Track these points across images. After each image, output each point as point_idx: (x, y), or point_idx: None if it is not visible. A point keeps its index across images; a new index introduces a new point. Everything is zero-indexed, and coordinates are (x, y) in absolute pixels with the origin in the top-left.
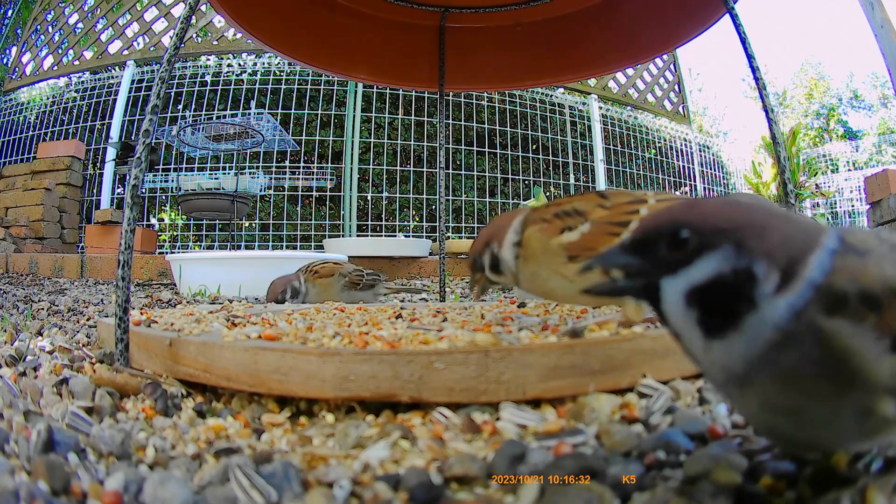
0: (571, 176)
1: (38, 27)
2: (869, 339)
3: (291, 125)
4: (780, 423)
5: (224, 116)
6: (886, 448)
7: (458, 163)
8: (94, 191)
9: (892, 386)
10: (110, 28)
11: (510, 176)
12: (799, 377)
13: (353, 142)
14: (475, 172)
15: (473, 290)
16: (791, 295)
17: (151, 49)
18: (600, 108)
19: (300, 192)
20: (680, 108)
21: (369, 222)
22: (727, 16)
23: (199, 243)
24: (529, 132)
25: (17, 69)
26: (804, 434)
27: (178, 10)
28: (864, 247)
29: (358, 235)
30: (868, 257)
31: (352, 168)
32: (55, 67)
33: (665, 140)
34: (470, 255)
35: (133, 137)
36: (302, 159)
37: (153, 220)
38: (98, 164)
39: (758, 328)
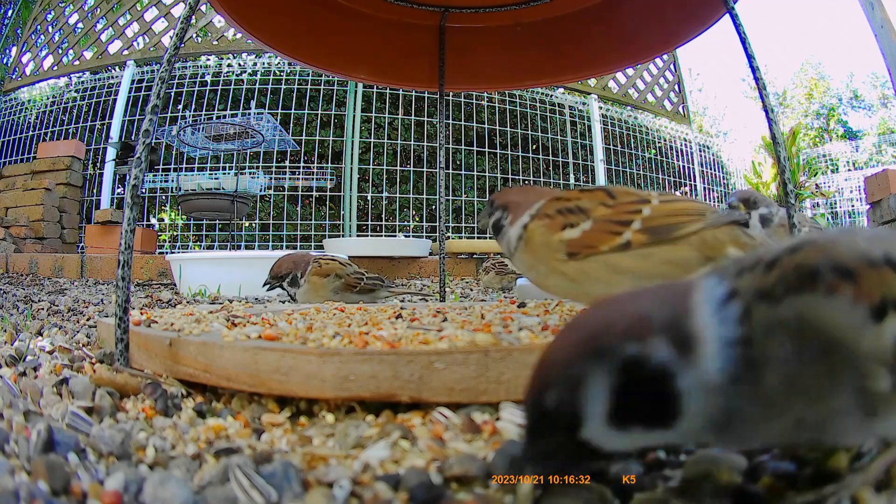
0: (571, 176)
1: (38, 27)
2: (847, 310)
3: (291, 125)
4: (784, 431)
5: (224, 116)
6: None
7: (458, 163)
8: (94, 191)
9: (883, 357)
10: (110, 28)
11: (510, 176)
12: (785, 379)
13: (353, 142)
14: (475, 172)
15: (484, 220)
16: (705, 333)
17: (151, 49)
18: (600, 108)
19: (300, 192)
20: (680, 108)
21: (369, 222)
22: (727, 16)
23: (199, 243)
24: (529, 132)
25: (17, 69)
26: (805, 435)
27: (178, 10)
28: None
29: (358, 235)
30: (841, 236)
31: (352, 168)
32: (55, 67)
33: (665, 140)
34: (492, 201)
35: (133, 137)
36: (302, 159)
37: (153, 220)
38: (98, 164)
39: (701, 381)
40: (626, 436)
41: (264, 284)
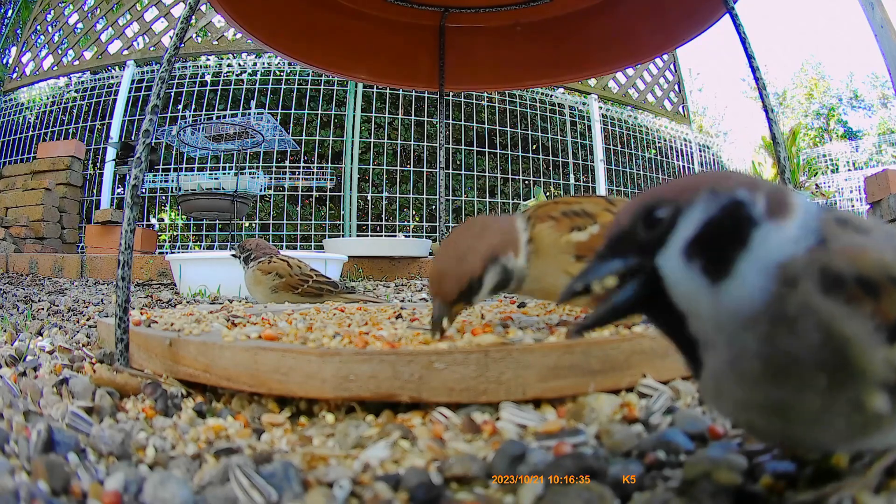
0: (571, 176)
1: (38, 27)
2: (864, 326)
3: (291, 125)
4: (769, 417)
5: (224, 116)
6: (884, 450)
7: (458, 163)
8: (94, 191)
9: (884, 379)
10: (110, 28)
11: (510, 176)
12: (793, 360)
13: (353, 142)
14: (475, 172)
15: (438, 324)
16: (790, 221)
17: (151, 49)
18: (600, 108)
19: (300, 192)
20: (680, 109)
21: (369, 222)
22: (727, 16)
23: (199, 243)
24: (529, 132)
25: (17, 69)
26: (793, 430)
27: (178, 10)
28: (862, 225)
29: (358, 235)
30: (868, 235)
31: (352, 168)
32: (55, 67)
33: (665, 140)
34: (457, 281)
35: (133, 137)
36: (302, 159)
37: (153, 220)
38: (98, 164)
39: (763, 254)
40: (690, 272)
41: (231, 248)
